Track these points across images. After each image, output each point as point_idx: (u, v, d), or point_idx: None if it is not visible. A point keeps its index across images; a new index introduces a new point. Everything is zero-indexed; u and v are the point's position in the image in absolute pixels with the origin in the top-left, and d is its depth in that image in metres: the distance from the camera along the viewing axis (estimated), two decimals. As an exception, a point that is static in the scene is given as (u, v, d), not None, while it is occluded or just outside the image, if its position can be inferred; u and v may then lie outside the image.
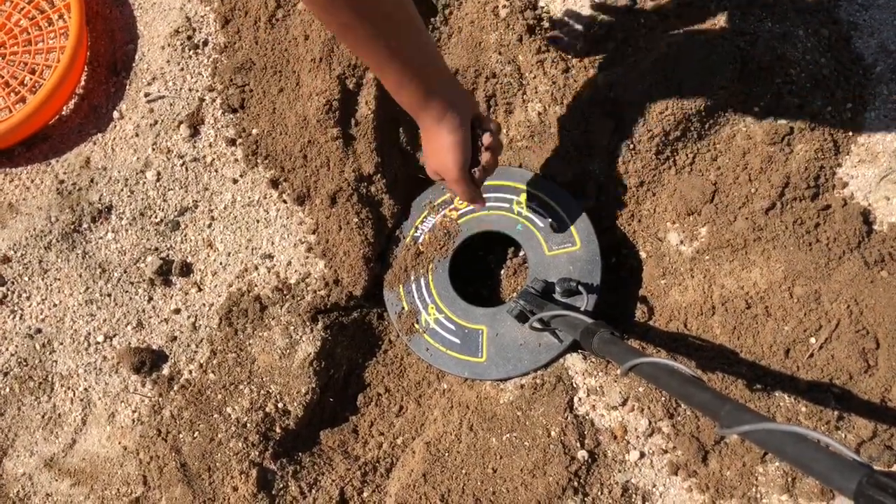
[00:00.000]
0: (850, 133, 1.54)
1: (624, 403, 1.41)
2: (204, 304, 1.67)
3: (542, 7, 1.76)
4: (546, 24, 1.73)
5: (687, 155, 1.59)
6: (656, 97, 1.55)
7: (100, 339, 1.65)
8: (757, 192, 1.53)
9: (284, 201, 1.72)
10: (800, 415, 1.35)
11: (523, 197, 1.62)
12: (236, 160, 1.75)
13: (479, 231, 1.64)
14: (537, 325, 1.44)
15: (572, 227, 1.57)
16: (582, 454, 1.37)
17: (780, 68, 1.54)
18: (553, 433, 1.39)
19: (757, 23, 1.58)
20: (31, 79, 1.86)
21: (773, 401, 1.37)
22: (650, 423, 1.38)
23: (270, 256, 1.69)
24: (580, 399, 1.44)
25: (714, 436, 1.36)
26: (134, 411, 1.59)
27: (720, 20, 1.60)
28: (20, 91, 1.85)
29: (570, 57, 1.69)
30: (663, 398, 1.39)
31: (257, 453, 1.49)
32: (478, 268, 1.76)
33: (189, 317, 1.66)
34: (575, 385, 1.45)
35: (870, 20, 1.62)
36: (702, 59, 1.54)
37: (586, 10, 1.74)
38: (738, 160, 1.56)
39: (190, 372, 1.61)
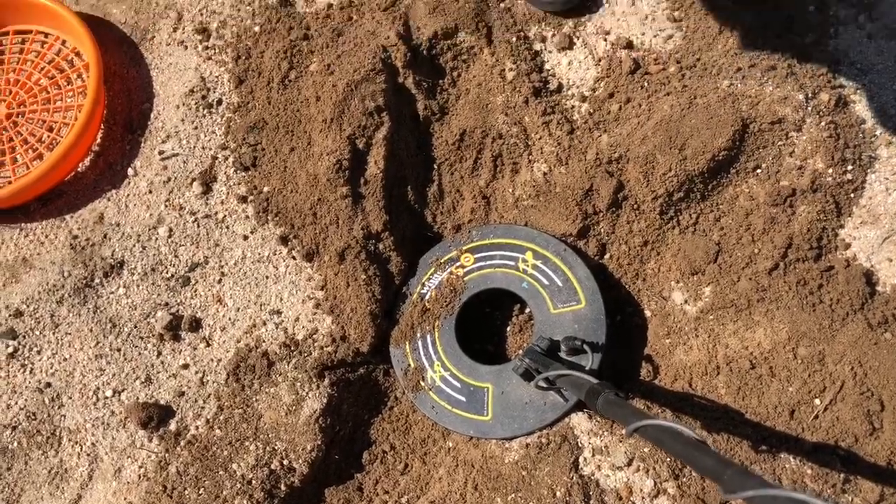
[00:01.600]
0: (852, 195, 1.56)
1: (629, 464, 1.41)
2: (212, 360, 1.69)
3: (548, 70, 1.80)
4: (552, 87, 1.77)
5: (690, 215, 1.61)
6: (660, 158, 1.58)
7: (108, 393, 1.66)
8: (760, 252, 1.54)
9: (294, 258, 1.74)
10: (805, 477, 1.35)
11: (529, 255, 1.64)
12: (247, 217, 1.78)
13: (485, 288, 1.66)
14: (543, 384, 1.45)
15: (577, 286, 1.58)
16: (587, 515, 1.37)
17: (782, 131, 1.57)
18: (558, 494, 1.39)
19: (758, 86, 1.61)
20: (48, 136, 1.91)
21: (778, 462, 1.37)
22: (655, 483, 1.38)
23: (279, 312, 1.71)
24: (585, 459, 1.43)
25: (720, 499, 1.35)
26: (140, 467, 1.60)
27: (722, 83, 1.63)
28: (38, 148, 1.90)
29: (574, 119, 1.73)
30: (669, 459, 1.39)
31: (262, 511, 1.49)
32: (484, 325, 1.77)
33: (197, 372, 1.68)
34: (580, 445, 1.45)
35: (869, 84, 1.65)
36: (704, 121, 1.57)
37: (591, 72, 1.78)
38: (741, 221, 1.58)
39: (197, 427, 1.62)
